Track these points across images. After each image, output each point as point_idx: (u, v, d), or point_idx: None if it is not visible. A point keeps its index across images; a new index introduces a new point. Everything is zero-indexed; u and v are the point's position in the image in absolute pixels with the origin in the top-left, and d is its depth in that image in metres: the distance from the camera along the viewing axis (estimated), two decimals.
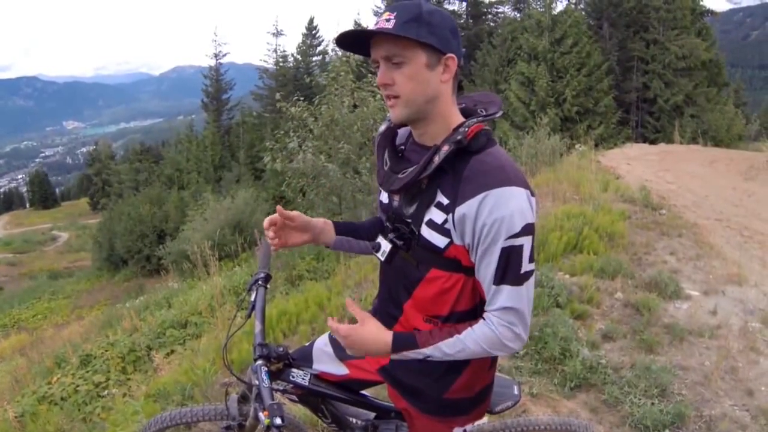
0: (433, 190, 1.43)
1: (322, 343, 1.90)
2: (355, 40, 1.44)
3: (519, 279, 1.39)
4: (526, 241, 1.36)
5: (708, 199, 8.77)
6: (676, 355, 3.97)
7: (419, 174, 1.41)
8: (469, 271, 1.46)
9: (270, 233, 1.68)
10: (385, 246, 1.56)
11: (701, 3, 26.79)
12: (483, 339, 1.43)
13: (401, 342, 1.47)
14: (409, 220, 1.48)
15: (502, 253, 1.35)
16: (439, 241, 1.43)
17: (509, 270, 1.37)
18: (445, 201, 1.41)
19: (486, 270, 1.39)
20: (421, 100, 1.40)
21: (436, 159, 1.39)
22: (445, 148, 1.38)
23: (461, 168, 1.39)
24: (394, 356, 1.48)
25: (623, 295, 4.82)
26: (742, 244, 6.55)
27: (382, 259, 1.57)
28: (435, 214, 1.43)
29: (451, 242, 1.42)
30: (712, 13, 28.06)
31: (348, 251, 1.85)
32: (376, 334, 1.48)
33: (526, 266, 1.38)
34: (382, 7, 34.23)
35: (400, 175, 1.47)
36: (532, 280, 1.42)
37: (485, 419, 2.24)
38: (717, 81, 26.79)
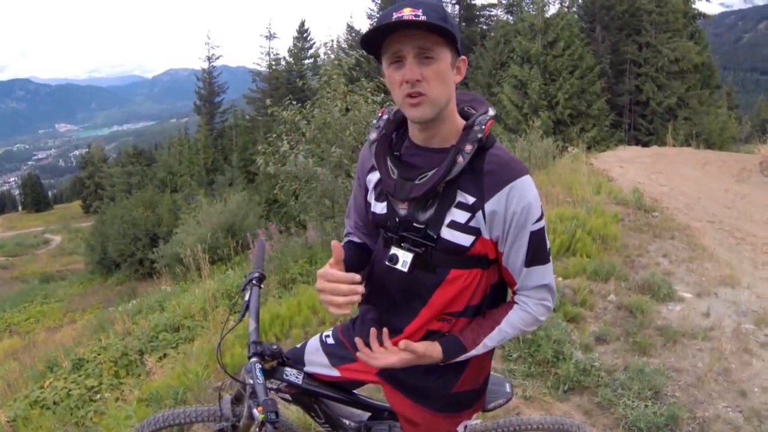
0: (452, 191, 1.44)
1: (313, 346, 1.88)
2: (379, 34, 1.37)
3: (546, 257, 1.51)
4: (545, 223, 1.48)
5: (700, 201, 8.81)
6: (669, 357, 3.98)
7: (444, 177, 1.40)
8: (487, 264, 1.51)
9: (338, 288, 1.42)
10: (405, 256, 1.49)
11: (693, 6, 26.93)
12: (521, 322, 1.54)
13: (451, 352, 1.53)
14: (423, 226, 1.46)
15: (531, 237, 1.44)
16: (464, 240, 1.44)
17: (538, 251, 1.47)
18: (471, 199, 1.42)
19: (516, 255, 1.47)
20: (444, 101, 1.40)
21: (460, 159, 1.39)
22: (468, 148, 1.40)
23: (478, 164, 1.42)
24: (442, 363, 1.54)
25: (616, 298, 4.83)
26: (734, 246, 6.58)
27: (405, 270, 1.50)
28: (458, 215, 1.44)
29: (478, 238, 1.44)
30: (704, 16, 28.21)
31: None
32: (430, 357, 1.52)
33: (547, 245, 1.51)
34: (375, 9, 34.26)
35: (417, 182, 1.44)
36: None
37: (478, 419, 2.24)
38: (709, 84, 26.94)
